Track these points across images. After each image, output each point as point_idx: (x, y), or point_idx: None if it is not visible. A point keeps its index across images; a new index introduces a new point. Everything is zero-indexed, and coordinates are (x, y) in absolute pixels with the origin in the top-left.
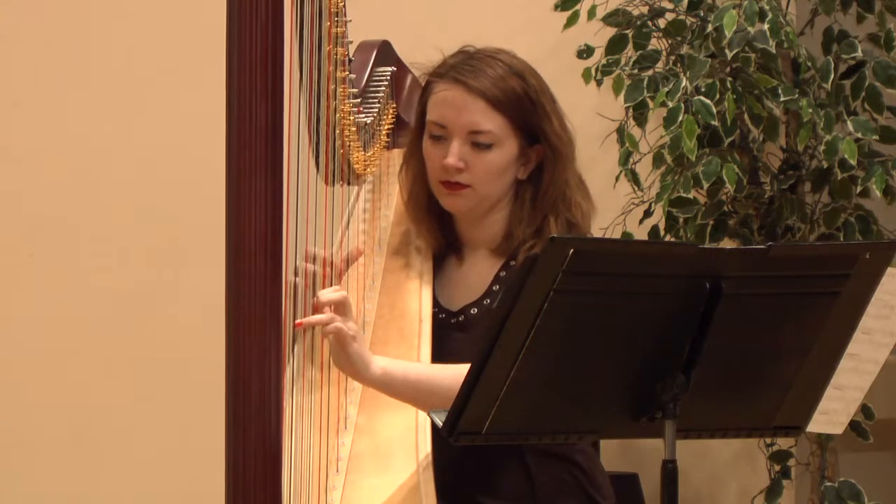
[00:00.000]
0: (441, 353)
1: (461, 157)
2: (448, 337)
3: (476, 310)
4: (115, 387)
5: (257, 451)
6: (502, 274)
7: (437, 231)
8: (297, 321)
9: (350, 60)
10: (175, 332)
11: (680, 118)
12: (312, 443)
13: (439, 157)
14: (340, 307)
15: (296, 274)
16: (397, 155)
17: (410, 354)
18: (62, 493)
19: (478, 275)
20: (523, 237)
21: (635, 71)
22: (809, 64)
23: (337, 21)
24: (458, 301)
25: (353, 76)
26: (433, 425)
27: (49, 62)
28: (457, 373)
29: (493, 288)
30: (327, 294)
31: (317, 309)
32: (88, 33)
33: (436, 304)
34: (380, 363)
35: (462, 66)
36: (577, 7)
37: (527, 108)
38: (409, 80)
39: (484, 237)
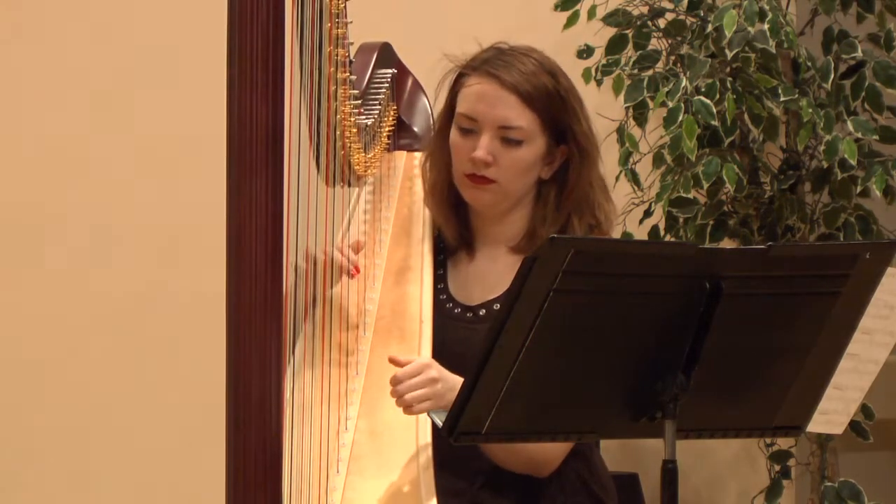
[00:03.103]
0: (461, 344)
1: (490, 151)
2: (469, 330)
3: (498, 305)
4: (115, 387)
5: (258, 452)
6: None
7: (456, 224)
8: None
9: (351, 62)
10: (175, 332)
11: (680, 118)
12: (313, 443)
13: (467, 150)
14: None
15: (296, 275)
16: (398, 157)
17: (410, 355)
18: (62, 492)
19: (499, 271)
20: (546, 237)
21: (635, 71)
22: (809, 64)
23: (338, 23)
24: (477, 296)
25: (353, 78)
26: (433, 425)
27: (49, 61)
28: None
29: None
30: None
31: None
32: (89, 33)
33: (449, 298)
34: None
35: (495, 61)
36: (577, 7)
37: (557, 106)
38: (409, 82)
39: (503, 234)
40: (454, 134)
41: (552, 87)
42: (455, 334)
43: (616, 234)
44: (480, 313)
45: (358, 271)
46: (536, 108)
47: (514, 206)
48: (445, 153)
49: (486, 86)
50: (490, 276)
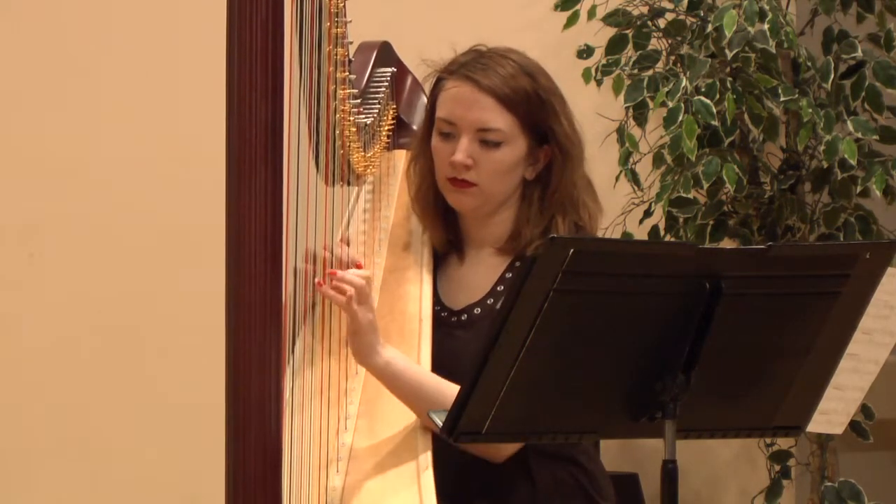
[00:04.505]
0: (443, 352)
1: (469, 154)
2: (450, 335)
3: (479, 309)
4: (115, 387)
5: (257, 452)
6: (508, 275)
7: (442, 229)
8: (319, 282)
9: (350, 61)
10: (175, 333)
11: (680, 118)
12: (313, 443)
13: (447, 154)
14: (362, 293)
15: (295, 275)
16: (398, 156)
17: (410, 354)
18: (62, 493)
19: (482, 274)
20: (530, 237)
21: (635, 71)
22: (809, 64)
23: (337, 22)
24: (461, 300)
25: (353, 77)
26: (433, 425)
27: (49, 61)
28: (451, 391)
29: (498, 288)
30: (350, 275)
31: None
32: (89, 32)
33: (438, 302)
34: (386, 355)
35: (473, 64)
36: (577, 7)
37: (536, 107)
38: (409, 81)
39: (489, 236)
40: (435, 138)
41: (531, 89)
42: (442, 339)
43: (616, 234)
44: (462, 318)
45: (360, 267)
46: (514, 110)
47: (499, 207)
48: (428, 158)
49: (462, 89)
50: (474, 279)
